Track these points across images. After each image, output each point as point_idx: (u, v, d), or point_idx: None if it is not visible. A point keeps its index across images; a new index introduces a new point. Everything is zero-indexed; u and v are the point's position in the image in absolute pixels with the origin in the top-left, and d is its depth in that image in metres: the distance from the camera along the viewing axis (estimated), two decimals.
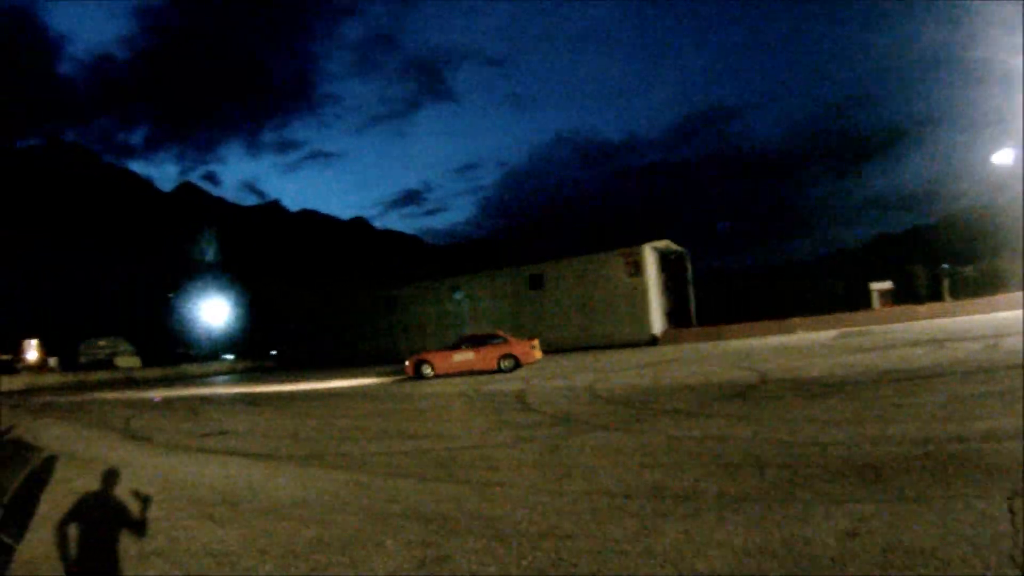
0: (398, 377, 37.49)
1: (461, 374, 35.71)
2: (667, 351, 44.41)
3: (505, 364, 35.64)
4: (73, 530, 9.08)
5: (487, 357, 36.11)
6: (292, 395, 32.42)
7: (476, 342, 37.32)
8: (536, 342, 38.29)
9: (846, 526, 6.39)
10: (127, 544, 8.34)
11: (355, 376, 41.16)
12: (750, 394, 17.44)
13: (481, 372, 35.51)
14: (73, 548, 8.42)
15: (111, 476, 12.43)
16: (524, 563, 6.41)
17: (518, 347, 36.79)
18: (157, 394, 41.97)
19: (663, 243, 68.09)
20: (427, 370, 36.05)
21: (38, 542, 8.85)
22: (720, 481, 8.62)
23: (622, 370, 30.64)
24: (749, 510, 7.20)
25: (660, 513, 7.45)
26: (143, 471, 13.34)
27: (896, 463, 8.66)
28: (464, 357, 36.41)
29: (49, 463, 15.34)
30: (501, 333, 39.65)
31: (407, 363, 37.18)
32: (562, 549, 6.62)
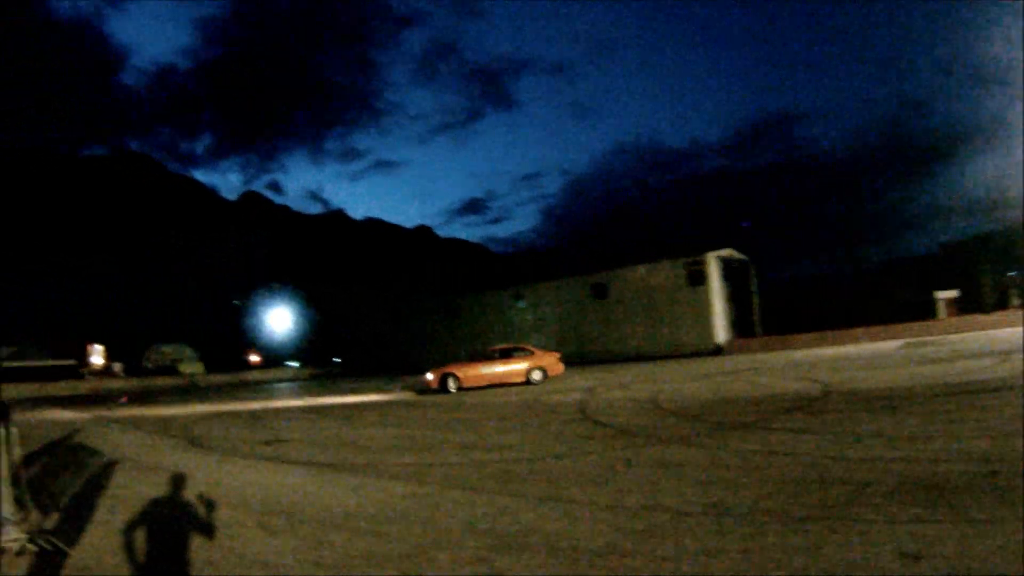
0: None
1: (491, 387, 35.28)
2: (731, 361, 44.10)
3: (535, 376, 35.48)
4: (127, 536, 9.20)
5: (515, 370, 35.81)
6: (350, 404, 32.42)
7: (504, 354, 36.90)
8: (559, 355, 38.48)
9: (910, 548, 6.23)
10: (180, 552, 8.38)
11: (416, 385, 41.07)
12: (813, 407, 17.25)
13: (509, 385, 35.23)
14: (127, 554, 8.49)
15: (169, 482, 12.51)
16: None
17: (546, 359, 36.86)
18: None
19: (726, 251, 67.71)
20: (452, 384, 35.22)
21: (91, 548, 8.91)
22: (782, 499, 8.49)
23: (685, 381, 30.45)
24: (811, 530, 7.06)
25: (720, 532, 7.34)
26: (201, 479, 13.40)
27: (962, 482, 8.45)
28: (491, 370, 35.95)
29: (108, 468, 15.46)
30: (527, 346, 40.22)
31: (430, 376, 36.03)
32: (619, 568, 6.54)
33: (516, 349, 37.75)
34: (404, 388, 40.11)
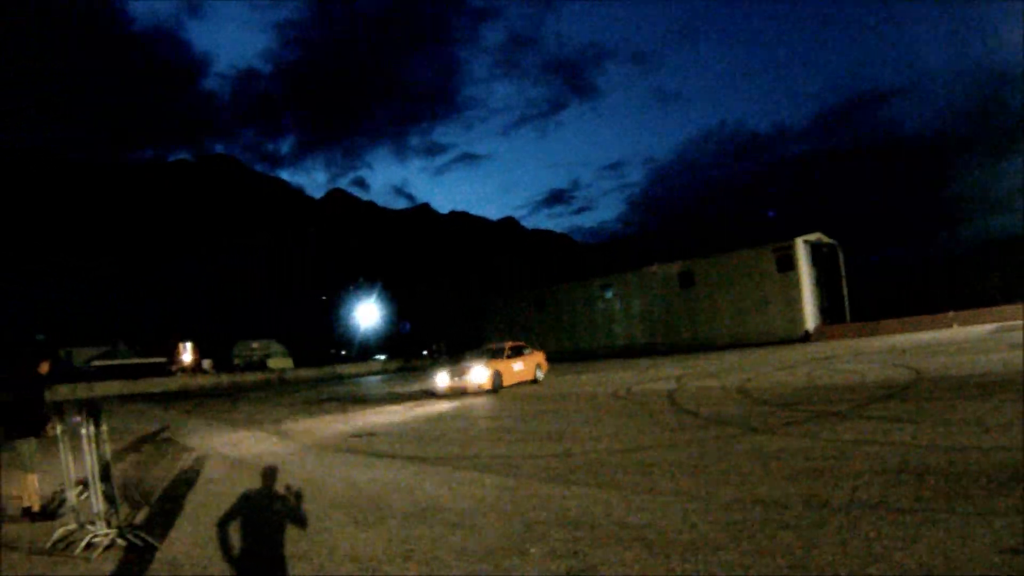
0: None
1: (518, 384, 34.09)
2: (820, 348, 43.68)
3: (539, 375, 35.21)
4: (222, 529, 9.51)
5: (529, 367, 34.93)
6: (438, 396, 32.54)
7: (515, 351, 34.86)
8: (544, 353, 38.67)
9: (1011, 543, 6.15)
10: (272, 546, 8.58)
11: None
12: (907, 394, 17.08)
13: (523, 383, 34.56)
14: (220, 548, 8.74)
15: (261, 476, 12.79)
16: None
17: (540, 356, 36.66)
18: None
19: (814, 236, 66.96)
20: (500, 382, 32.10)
21: (180, 542, 9.18)
22: (878, 490, 8.42)
23: (775, 369, 30.24)
24: (908, 522, 7.01)
25: (816, 524, 7.33)
26: (291, 472, 13.78)
27: None
28: (519, 367, 34.16)
29: (198, 463, 15.73)
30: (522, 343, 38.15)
31: (478, 374, 31.08)
32: (713, 562, 6.56)
33: (523, 346, 36.39)
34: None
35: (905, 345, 36.03)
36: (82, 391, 62.76)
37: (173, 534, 9.55)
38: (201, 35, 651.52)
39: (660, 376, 32.19)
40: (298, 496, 11.03)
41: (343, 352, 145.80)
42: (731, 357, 43.58)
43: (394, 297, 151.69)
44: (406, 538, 8.42)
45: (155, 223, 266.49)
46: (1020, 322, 45.09)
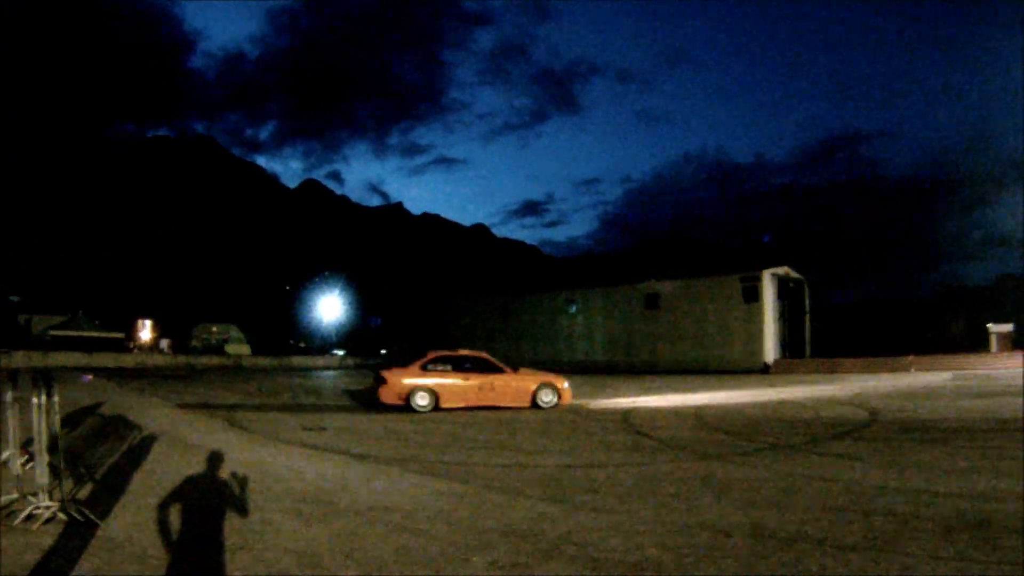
0: None
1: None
2: (779, 381, 43.77)
3: (548, 398, 33.26)
4: (161, 512, 9.34)
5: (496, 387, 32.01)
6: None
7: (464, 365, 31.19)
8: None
9: None
10: (212, 533, 8.46)
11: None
12: (861, 434, 17.14)
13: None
14: (159, 531, 8.59)
15: (206, 461, 12.64)
16: None
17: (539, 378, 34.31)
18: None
19: (782, 269, 67.36)
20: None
21: (122, 521, 9.03)
22: (825, 526, 8.42)
23: (732, 398, 30.41)
24: (853, 561, 6.98)
25: (760, 555, 7.29)
26: (238, 460, 13.60)
27: (1010, 522, 8.33)
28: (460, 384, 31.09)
29: (146, 442, 15.61)
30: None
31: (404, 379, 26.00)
32: None
33: (480, 360, 30.45)
34: None
35: (864, 385, 36.17)
36: (37, 360, 62.23)
37: (115, 512, 9.37)
38: (193, 12, 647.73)
39: (617, 395, 32.22)
40: (243, 485, 10.92)
41: (302, 344, 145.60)
42: (689, 382, 43.72)
43: (360, 293, 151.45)
44: (349, 536, 8.33)
45: (128, 197, 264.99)
46: (976, 371, 45.41)
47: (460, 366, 26.90)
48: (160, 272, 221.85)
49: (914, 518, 8.62)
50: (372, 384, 27.40)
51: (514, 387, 26.63)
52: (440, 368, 26.41)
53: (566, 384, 27.53)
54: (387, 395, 25.35)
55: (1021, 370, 42.54)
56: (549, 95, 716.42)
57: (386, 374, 26.04)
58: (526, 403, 26.27)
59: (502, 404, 25.98)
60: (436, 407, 25.07)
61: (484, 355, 28.09)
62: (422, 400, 25.12)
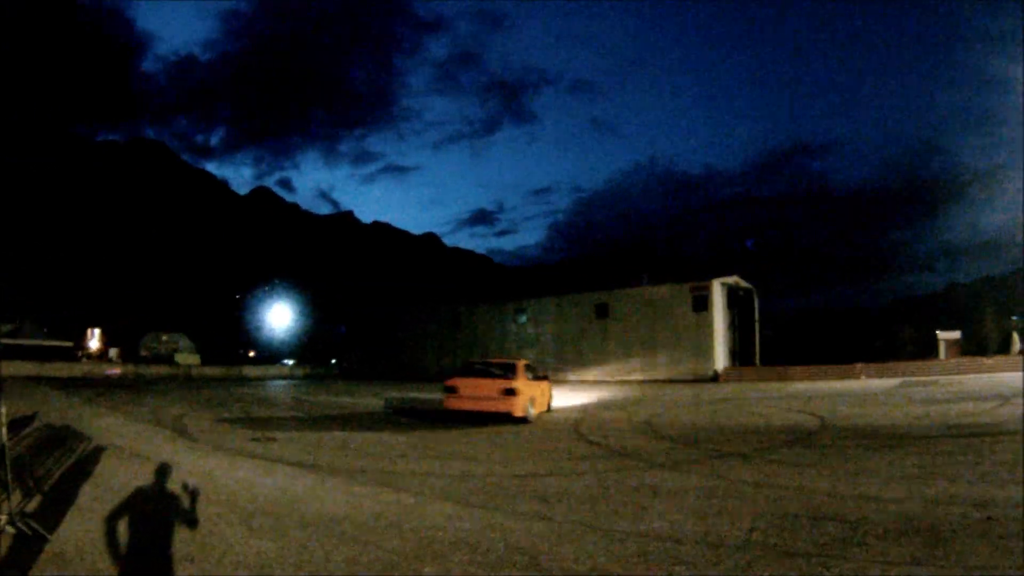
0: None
1: None
2: (728, 389, 43.99)
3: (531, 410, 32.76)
4: (110, 524, 9.10)
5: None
6: (347, 407, 32.31)
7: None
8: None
9: None
10: (161, 547, 8.29)
11: (412, 393, 40.61)
12: (810, 441, 17.27)
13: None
14: (108, 544, 8.40)
15: (155, 472, 12.43)
16: None
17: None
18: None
19: (732, 279, 67.83)
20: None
21: (72, 534, 8.81)
22: (775, 532, 8.41)
23: (682, 406, 30.53)
24: (802, 566, 6.98)
25: (711, 562, 7.26)
26: (187, 471, 13.32)
27: (957, 527, 8.38)
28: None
29: (95, 454, 15.39)
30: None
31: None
32: None
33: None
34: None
35: (813, 392, 36.45)
36: None
37: (65, 525, 9.14)
38: (146, 14, 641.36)
39: (567, 405, 32.17)
40: (193, 497, 10.68)
41: (252, 353, 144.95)
42: (639, 390, 43.81)
43: (311, 302, 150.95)
44: (300, 548, 8.18)
45: (76, 202, 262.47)
46: (924, 378, 45.77)
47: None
48: (109, 280, 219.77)
49: (864, 523, 8.65)
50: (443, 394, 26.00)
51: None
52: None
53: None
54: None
55: (969, 376, 42.99)
56: (501, 104, 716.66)
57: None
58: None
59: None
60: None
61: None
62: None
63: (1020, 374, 38.91)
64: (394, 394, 35.63)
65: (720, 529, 8.64)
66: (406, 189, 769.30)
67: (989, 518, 8.69)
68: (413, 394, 35.96)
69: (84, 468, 13.62)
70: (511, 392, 23.90)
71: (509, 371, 25.48)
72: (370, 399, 37.09)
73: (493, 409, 24.02)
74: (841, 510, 9.45)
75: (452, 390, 25.11)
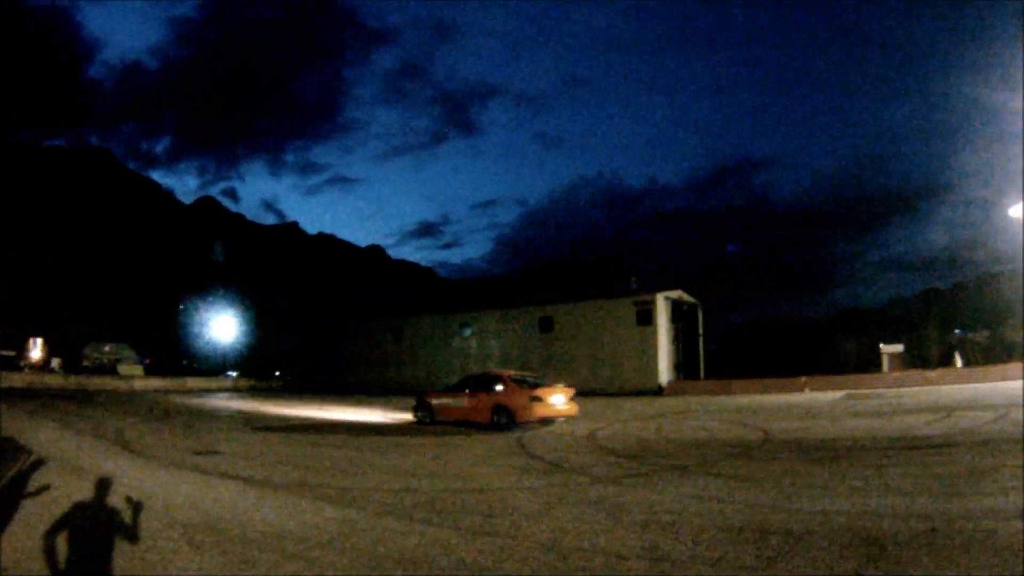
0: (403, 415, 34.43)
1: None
2: (673, 403, 44.15)
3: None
4: (49, 540, 8.88)
5: None
6: (291, 421, 32.18)
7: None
8: None
9: None
10: (100, 562, 8.13)
11: (355, 406, 40.48)
12: (755, 454, 17.32)
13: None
14: (47, 559, 8.22)
15: (97, 486, 12.25)
16: None
17: None
18: None
19: (676, 293, 68.13)
20: None
21: (11, 549, 8.62)
22: (720, 546, 8.40)
23: (625, 420, 30.57)
24: None
25: None
26: (129, 485, 13.08)
27: (901, 538, 8.43)
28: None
29: (35, 467, 15.17)
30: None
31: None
32: None
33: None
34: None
35: (756, 406, 36.62)
36: None
37: (3, 539, 8.96)
38: (94, 19, 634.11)
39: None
40: (134, 511, 10.47)
41: (196, 364, 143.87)
42: (583, 405, 43.79)
43: (255, 313, 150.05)
44: (242, 563, 8.10)
45: (18, 208, 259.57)
46: (868, 391, 46.15)
47: None
48: (51, 288, 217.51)
49: (808, 535, 8.69)
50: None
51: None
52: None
53: None
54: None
55: (912, 389, 43.45)
56: (447, 116, 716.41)
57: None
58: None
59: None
60: None
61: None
62: None
63: (961, 387, 39.36)
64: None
65: (664, 543, 8.63)
66: (351, 201, 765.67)
67: (933, 529, 8.74)
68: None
69: (24, 481, 13.42)
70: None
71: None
72: (313, 412, 36.95)
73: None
74: (786, 523, 9.49)
75: None
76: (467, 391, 29.46)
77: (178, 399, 52.51)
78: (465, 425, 27.53)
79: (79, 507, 10.90)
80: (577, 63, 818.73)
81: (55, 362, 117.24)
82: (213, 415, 35.71)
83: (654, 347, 63.62)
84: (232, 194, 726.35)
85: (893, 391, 44.67)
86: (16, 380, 69.30)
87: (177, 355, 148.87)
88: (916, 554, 7.71)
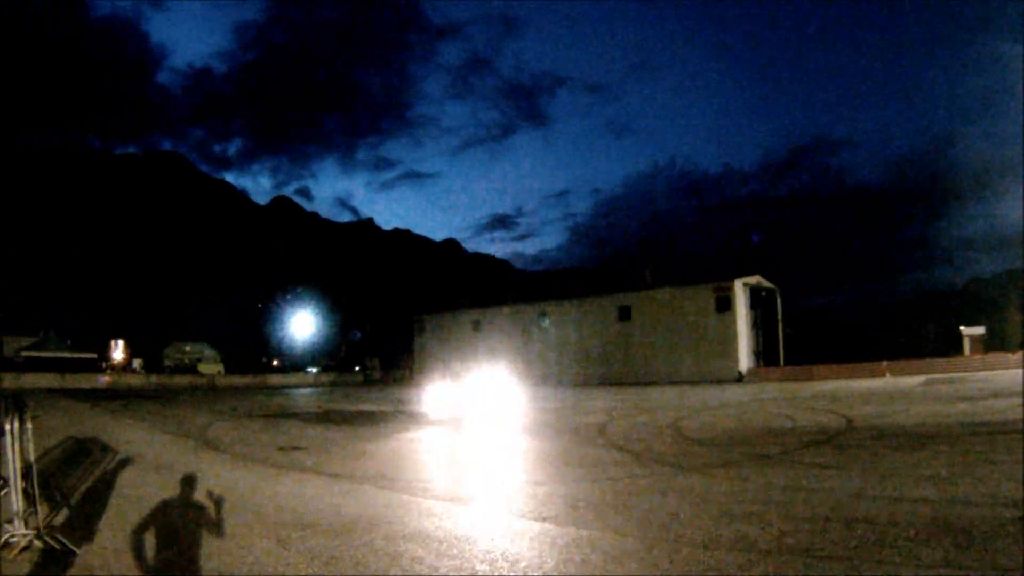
0: None
1: None
2: (754, 390, 43.70)
3: None
4: (136, 538, 9.13)
5: None
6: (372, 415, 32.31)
7: None
8: None
9: None
10: (189, 559, 8.28)
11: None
12: (838, 441, 17.15)
13: None
14: (135, 557, 8.42)
15: (182, 484, 12.43)
16: None
17: None
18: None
19: (754, 279, 67.33)
20: None
21: (99, 547, 8.84)
22: (806, 535, 8.37)
23: (708, 409, 30.28)
24: (836, 570, 6.93)
25: (742, 567, 7.22)
26: (214, 482, 13.31)
27: (989, 527, 8.30)
28: None
29: (121, 466, 15.41)
30: None
31: None
32: None
33: None
34: None
35: (838, 392, 36.15)
36: (9, 382, 61.45)
37: (92, 539, 9.18)
38: (160, 27, 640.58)
39: (593, 408, 32.07)
40: (219, 507, 10.71)
41: (276, 362, 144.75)
42: (664, 393, 43.57)
43: (333, 310, 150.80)
44: (329, 557, 8.20)
45: (96, 215, 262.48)
46: (950, 374, 45.51)
47: None
48: (131, 291, 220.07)
49: (894, 525, 8.60)
50: None
51: None
52: None
53: None
54: None
55: (994, 372, 42.73)
56: (516, 108, 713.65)
57: None
58: None
59: None
60: None
61: None
62: None
63: None
64: None
65: (751, 533, 8.61)
66: (425, 195, 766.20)
67: (1021, 518, 8.63)
68: None
69: (110, 480, 13.67)
70: None
71: None
72: (398, 405, 37.07)
73: None
74: (871, 512, 9.40)
75: None
76: None
77: (260, 396, 52.92)
78: None
79: (165, 504, 11.13)
80: (645, 49, 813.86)
81: (137, 362, 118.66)
82: (295, 411, 36.01)
83: (733, 334, 63.24)
84: (306, 193, 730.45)
85: (975, 375, 43.98)
86: (99, 381, 70.31)
87: (257, 353, 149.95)
88: (1004, 543, 7.61)
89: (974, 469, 12.25)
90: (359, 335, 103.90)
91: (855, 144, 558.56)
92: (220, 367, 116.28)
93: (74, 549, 8.57)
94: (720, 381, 59.08)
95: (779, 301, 71.23)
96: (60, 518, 10.41)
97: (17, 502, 8.70)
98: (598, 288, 77.58)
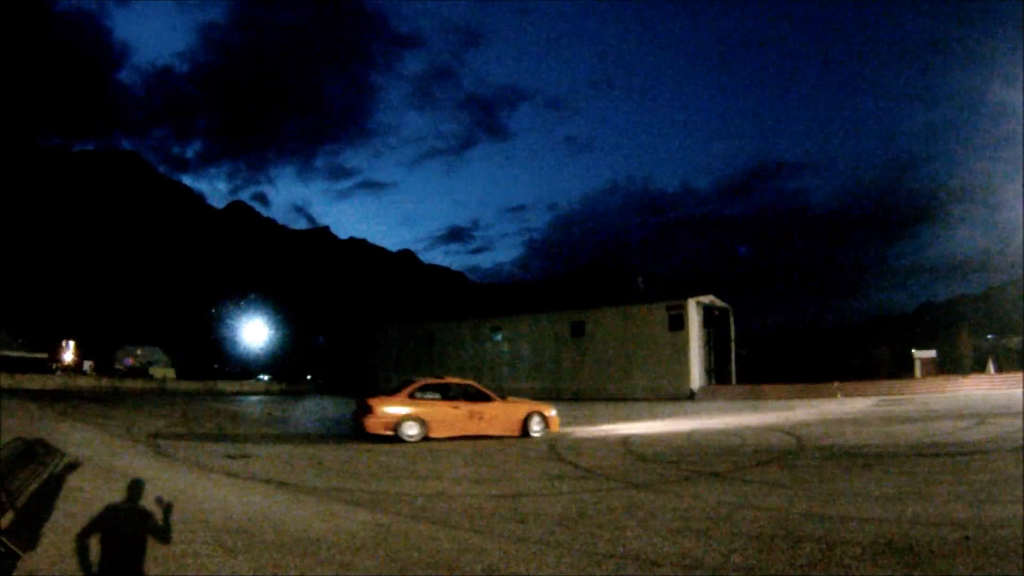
0: None
1: None
2: (705, 408, 43.97)
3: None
4: (82, 541, 8.94)
5: None
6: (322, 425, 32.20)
7: None
8: None
9: None
10: (133, 565, 8.16)
11: None
12: (787, 460, 17.22)
13: None
14: (80, 562, 8.26)
15: (129, 489, 12.26)
16: None
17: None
18: None
19: (708, 298, 68.04)
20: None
21: (45, 551, 8.67)
22: (753, 554, 8.36)
23: (658, 426, 30.40)
24: None
25: None
26: (162, 488, 13.07)
27: (936, 547, 8.37)
28: None
29: (69, 469, 15.22)
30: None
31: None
32: None
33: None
34: None
35: (789, 412, 36.45)
36: None
37: (37, 542, 8.99)
38: (123, 24, 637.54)
39: (594, 423, 32.09)
40: (166, 513, 10.48)
41: (227, 368, 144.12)
42: (615, 410, 43.69)
43: (286, 318, 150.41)
44: (274, 568, 8.11)
45: (51, 212, 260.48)
46: (901, 396, 45.98)
47: (447, 394, 25.89)
48: (84, 291, 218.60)
49: (841, 544, 8.62)
50: (355, 412, 25.67)
51: (504, 415, 25.68)
52: (428, 396, 25.19)
53: (553, 412, 26.68)
54: (373, 425, 23.63)
55: (945, 395, 43.21)
56: (477, 121, 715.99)
57: (373, 402, 24.21)
58: (516, 432, 25.37)
59: (492, 433, 24.98)
60: (425, 437, 23.76)
61: (472, 383, 27.11)
62: (411, 430, 23.67)
63: (994, 392, 39.13)
64: None
65: (697, 550, 8.59)
66: (382, 205, 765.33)
67: (967, 538, 8.68)
68: None
69: (57, 484, 13.46)
70: None
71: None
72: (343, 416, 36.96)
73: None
74: (818, 531, 9.44)
75: None
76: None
77: (210, 402, 52.61)
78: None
79: (111, 509, 10.93)
80: (607, 67, 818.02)
81: (87, 364, 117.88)
82: (245, 418, 35.92)
83: (686, 352, 63.63)
84: (263, 199, 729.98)
85: (926, 397, 44.59)
86: (49, 382, 69.66)
87: (208, 358, 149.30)
88: (953, 563, 7.67)
89: (922, 489, 12.36)
90: (322, 340, 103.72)
91: (813, 166, 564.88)
92: (171, 371, 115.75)
93: (19, 552, 8.40)
94: (672, 398, 59.41)
95: (732, 320, 71.77)
96: (6, 521, 10.22)
97: None
98: (552, 303, 78.01)
